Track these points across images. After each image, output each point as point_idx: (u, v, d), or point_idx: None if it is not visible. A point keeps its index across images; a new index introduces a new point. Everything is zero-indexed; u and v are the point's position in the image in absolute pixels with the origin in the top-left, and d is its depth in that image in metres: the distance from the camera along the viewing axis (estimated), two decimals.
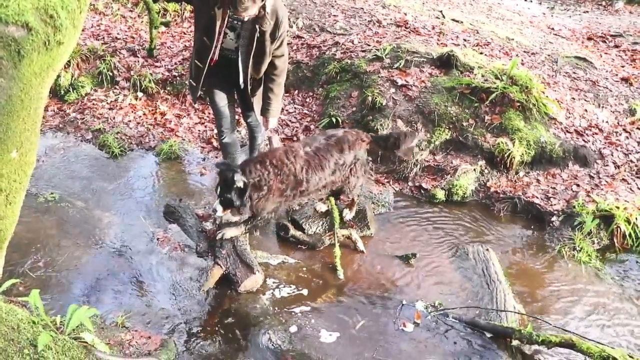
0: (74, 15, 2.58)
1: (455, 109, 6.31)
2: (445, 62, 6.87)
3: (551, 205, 5.71)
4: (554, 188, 5.93)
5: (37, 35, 2.43)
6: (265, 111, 4.87)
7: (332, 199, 5.07)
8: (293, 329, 4.02)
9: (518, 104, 6.25)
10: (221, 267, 4.26)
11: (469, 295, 4.59)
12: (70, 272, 4.41)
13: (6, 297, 3.41)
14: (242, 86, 4.67)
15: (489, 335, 4.13)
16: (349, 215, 5.07)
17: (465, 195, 5.98)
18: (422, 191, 6.00)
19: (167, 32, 8.63)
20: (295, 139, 6.63)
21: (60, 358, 3.07)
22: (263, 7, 4.22)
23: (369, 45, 7.57)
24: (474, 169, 6.08)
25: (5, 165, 2.49)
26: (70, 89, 7.25)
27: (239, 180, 3.94)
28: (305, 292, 4.41)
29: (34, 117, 2.58)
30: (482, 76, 6.58)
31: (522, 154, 6.02)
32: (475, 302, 4.49)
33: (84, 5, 2.68)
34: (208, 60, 4.54)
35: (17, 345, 2.92)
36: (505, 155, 6.00)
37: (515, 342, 4.05)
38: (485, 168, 6.12)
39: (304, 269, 4.66)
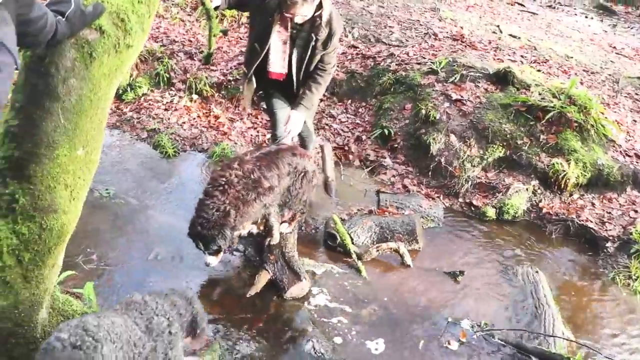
0: (143, 19, 2.65)
1: (510, 127, 6.20)
2: (502, 78, 6.77)
3: (606, 230, 5.54)
4: (610, 213, 5.75)
5: (109, 38, 2.50)
6: (295, 104, 4.64)
7: (337, 219, 5.04)
8: (337, 340, 4.01)
9: (576, 124, 6.09)
10: (268, 272, 4.29)
11: (516, 317, 4.49)
12: (121, 267, 4.51)
13: (62, 288, 3.51)
14: (295, 91, 4.70)
15: (534, 359, 4.03)
16: (287, 228, 4.63)
17: (517, 215, 5.86)
18: (473, 208, 5.91)
19: (224, 38, 8.77)
20: (346, 148, 6.64)
21: None
22: (319, 16, 4.27)
23: (424, 58, 7.52)
24: (527, 189, 5.95)
25: (72, 162, 2.57)
26: (128, 89, 7.42)
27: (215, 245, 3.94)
28: (349, 302, 4.39)
29: (100, 117, 2.65)
30: (539, 94, 6.45)
31: (578, 175, 5.86)
32: (523, 324, 4.39)
33: (152, 10, 2.75)
34: (253, 68, 4.61)
35: None
36: (560, 176, 5.85)
37: None
38: (539, 188, 5.98)
39: (350, 279, 4.64)
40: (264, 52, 4.51)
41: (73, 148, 2.55)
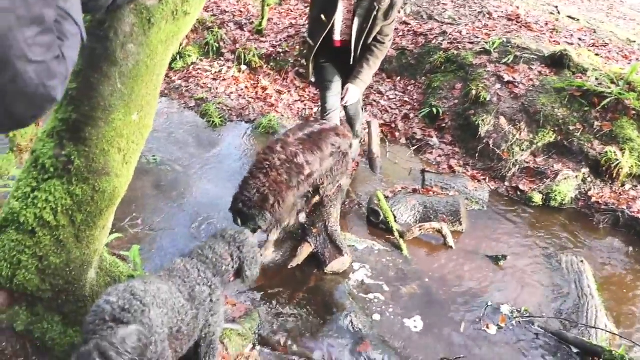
0: None
1: (563, 112, 6.03)
2: (557, 62, 6.57)
3: None
4: None
5: (167, 4, 2.51)
6: (353, 78, 4.66)
7: (381, 196, 5.00)
8: (376, 316, 4.03)
9: (634, 112, 5.87)
10: (311, 245, 4.32)
11: (557, 305, 4.41)
12: (165, 232, 4.61)
13: (109, 250, 3.61)
14: (352, 62, 4.67)
15: (575, 350, 3.96)
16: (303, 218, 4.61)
17: (564, 202, 5.72)
18: (519, 193, 5.80)
19: (275, 9, 8.75)
20: (393, 125, 6.58)
21: None
22: None
23: (477, 37, 7.36)
24: (576, 176, 5.80)
25: (127, 126, 2.61)
26: (178, 57, 7.51)
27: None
28: (389, 280, 4.39)
29: (155, 83, 2.68)
30: (596, 79, 6.23)
31: (632, 165, 5.67)
32: (564, 314, 4.31)
33: None
34: (321, 39, 4.58)
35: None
36: (612, 165, 5.67)
37: None
38: (589, 176, 5.82)
39: (391, 257, 4.64)
40: (331, 23, 4.51)
41: (128, 113, 2.58)
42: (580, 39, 7.82)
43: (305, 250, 4.31)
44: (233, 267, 2.93)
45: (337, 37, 4.66)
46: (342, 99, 4.83)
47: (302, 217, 4.52)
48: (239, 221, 3.99)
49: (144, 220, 4.68)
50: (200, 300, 2.66)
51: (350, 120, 5.39)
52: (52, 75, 1.23)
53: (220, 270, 2.84)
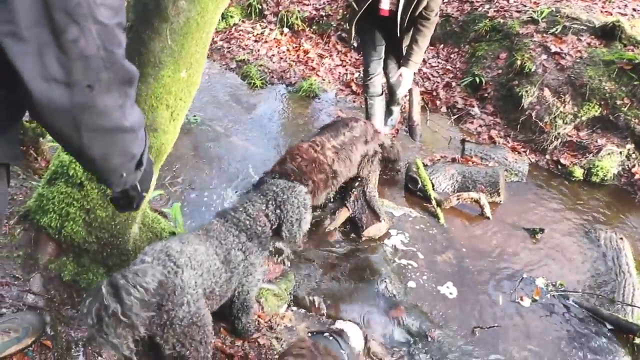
0: None
1: (611, 85, 5.85)
2: (608, 33, 6.35)
3: None
4: None
5: None
6: (405, 61, 4.74)
7: (420, 163, 4.99)
8: (411, 283, 4.07)
9: None
10: (348, 209, 4.35)
11: (594, 281, 4.38)
12: (205, 191, 4.69)
13: (151, 206, 3.69)
14: (398, 34, 4.63)
15: (609, 327, 3.94)
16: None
17: (606, 178, 5.62)
18: (560, 166, 5.71)
19: None
20: (434, 93, 6.51)
21: None
22: None
23: (525, 6, 7.15)
24: (620, 152, 5.67)
25: (175, 83, 2.64)
26: (220, 18, 7.49)
27: None
28: (425, 247, 4.41)
29: (205, 40, 2.70)
30: None
31: None
32: (600, 290, 4.28)
33: None
34: (365, 6, 4.54)
35: None
36: None
37: (638, 341, 3.84)
38: (633, 152, 5.67)
39: (427, 225, 4.65)
40: None
41: (177, 70, 2.61)
42: (635, 10, 7.51)
43: (342, 214, 4.35)
44: (272, 227, 2.83)
45: (384, 6, 4.61)
46: (399, 84, 4.91)
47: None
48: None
49: (184, 179, 4.76)
50: (235, 264, 2.66)
51: (391, 88, 5.35)
52: (113, 40, 1.16)
53: (254, 234, 2.76)
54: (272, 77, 6.64)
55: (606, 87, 5.83)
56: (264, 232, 2.80)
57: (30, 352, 2.64)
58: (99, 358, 2.77)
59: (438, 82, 6.71)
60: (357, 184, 4.49)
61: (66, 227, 2.92)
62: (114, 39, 1.15)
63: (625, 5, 7.53)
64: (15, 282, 2.87)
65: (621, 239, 4.72)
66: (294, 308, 3.70)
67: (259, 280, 2.92)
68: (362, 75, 5.30)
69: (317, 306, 3.73)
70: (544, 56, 6.25)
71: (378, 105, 5.26)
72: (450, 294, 4.04)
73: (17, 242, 2.95)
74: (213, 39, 7.15)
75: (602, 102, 5.82)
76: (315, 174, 3.94)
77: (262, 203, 2.82)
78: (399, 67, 4.87)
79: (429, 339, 3.60)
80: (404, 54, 4.76)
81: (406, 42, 4.78)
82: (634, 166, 5.62)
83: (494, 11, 7.14)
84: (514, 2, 7.29)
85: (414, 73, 4.90)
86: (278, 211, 2.83)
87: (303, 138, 4.48)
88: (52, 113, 1.12)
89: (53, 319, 2.81)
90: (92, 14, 1.09)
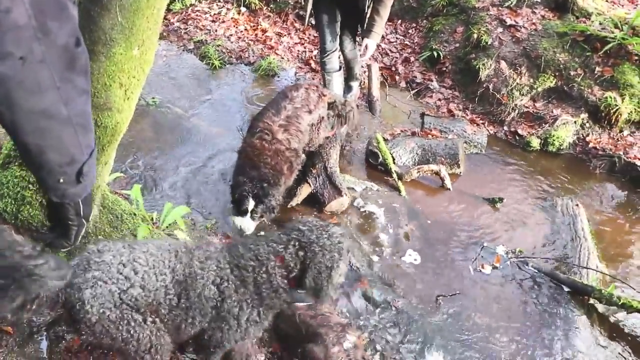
0: None
1: (564, 56, 5.98)
2: (561, 5, 6.46)
3: None
4: None
5: None
6: (367, 32, 4.72)
7: (380, 138, 5.03)
8: (374, 256, 4.12)
9: (636, 57, 5.83)
10: (310, 185, 4.37)
11: (551, 247, 4.51)
12: (165, 174, 4.63)
13: (111, 189, 3.64)
14: (363, 9, 4.65)
15: (566, 289, 4.08)
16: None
17: (561, 147, 5.76)
18: (517, 137, 5.83)
19: None
20: (393, 69, 6.54)
21: None
22: None
23: None
24: (575, 121, 5.81)
25: (128, 61, 2.59)
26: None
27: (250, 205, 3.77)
28: (387, 220, 4.46)
29: (156, 17, 2.65)
30: (600, 24, 6.15)
31: (631, 111, 5.66)
32: (558, 255, 4.41)
33: None
34: None
35: (119, 232, 3.15)
36: (612, 111, 5.66)
37: (592, 301, 4.00)
38: (587, 122, 5.82)
39: (389, 198, 4.70)
40: None
41: (129, 47, 2.56)
42: None
43: (304, 191, 4.36)
44: (289, 275, 2.28)
45: None
46: (362, 55, 4.88)
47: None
48: (246, 205, 3.80)
49: (144, 162, 4.70)
50: (199, 298, 2.24)
51: (348, 63, 5.36)
52: (49, 10, 1.08)
53: (253, 280, 2.26)
54: (231, 57, 6.57)
55: (560, 59, 5.96)
56: (271, 281, 2.26)
57: None
58: (63, 342, 2.75)
59: (397, 58, 6.74)
60: (317, 160, 4.50)
61: (22, 211, 2.86)
62: (49, 10, 1.08)
63: None
64: None
65: (577, 205, 4.86)
66: None
67: (237, 341, 2.42)
68: (319, 52, 5.28)
69: None
70: (500, 29, 6.34)
71: (336, 81, 5.26)
72: (415, 260, 4.12)
73: None
74: (169, 19, 7.07)
75: (557, 73, 5.95)
76: (283, 166, 3.93)
77: (282, 243, 2.27)
78: (354, 42, 4.88)
79: (393, 308, 3.66)
80: (366, 25, 4.74)
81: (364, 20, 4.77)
82: (587, 135, 5.77)
83: None
84: None
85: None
86: (302, 254, 2.25)
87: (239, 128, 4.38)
88: None
89: None
90: None
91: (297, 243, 2.26)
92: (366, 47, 4.78)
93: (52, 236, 1.57)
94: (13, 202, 2.86)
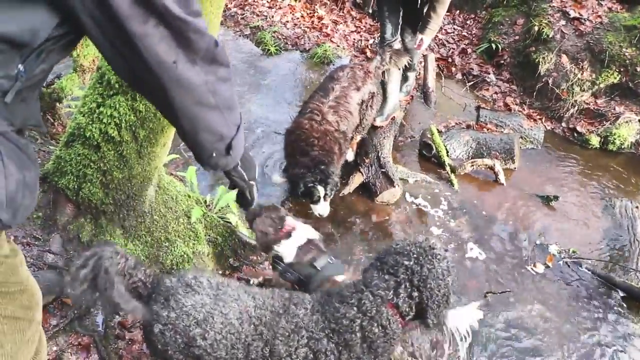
0: None
1: (631, 51, 5.74)
2: None
3: None
4: None
5: None
6: (422, 29, 4.67)
7: (434, 130, 4.97)
8: None
9: None
10: (362, 175, 4.36)
11: (607, 249, 4.38)
12: None
13: (167, 170, 3.71)
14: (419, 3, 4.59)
15: (621, 294, 3.96)
16: (351, 155, 4.66)
17: (623, 146, 5.57)
18: (576, 134, 5.66)
19: None
20: (450, 60, 6.45)
21: (208, 232, 3.37)
22: None
23: None
24: (639, 120, 5.60)
25: None
26: None
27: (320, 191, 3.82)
28: (439, 213, 4.42)
29: (219, 1, 2.68)
30: None
31: None
32: (614, 258, 4.28)
33: None
34: None
35: (174, 213, 3.22)
36: None
37: None
38: None
39: (441, 191, 4.65)
40: None
41: None
42: None
43: (356, 180, 4.36)
44: (406, 318, 2.03)
45: None
46: (416, 48, 4.84)
47: (350, 154, 4.57)
48: (318, 194, 3.85)
49: None
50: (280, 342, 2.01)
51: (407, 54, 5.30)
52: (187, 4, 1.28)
53: (365, 340, 2.00)
54: (287, 43, 6.59)
55: (626, 53, 5.73)
56: (386, 333, 2.00)
57: (52, 309, 2.70)
58: (117, 316, 2.84)
59: (454, 49, 6.63)
60: (370, 149, 4.49)
61: (84, 188, 2.95)
62: (186, 25, 1.26)
63: None
64: (36, 242, 2.93)
65: (637, 207, 4.71)
66: None
67: None
68: (377, 41, 5.24)
69: None
70: (563, 22, 6.14)
71: (395, 72, 5.21)
72: (464, 259, 4.06)
73: (36, 203, 2.99)
74: (227, 5, 7.13)
75: (622, 69, 5.73)
76: (333, 146, 3.96)
77: (389, 289, 1.98)
78: (415, 34, 4.82)
79: None
80: (422, 21, 4.69)
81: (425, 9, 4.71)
82: None
83: None
84: None
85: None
86: (416, 294, 1.98)
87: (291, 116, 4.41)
88: (150, 85, 1.33)
89: None
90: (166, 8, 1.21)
91: (408, 284, 1.97)
92: (421, 41, 4.73)
93: (240, 202, 2.00)
94: (75, 180, 2.96)
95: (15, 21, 1.12)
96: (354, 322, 1.97)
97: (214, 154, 1.54)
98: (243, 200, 1.97)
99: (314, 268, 2.69)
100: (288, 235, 2.81)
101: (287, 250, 2.79)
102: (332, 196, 3.99)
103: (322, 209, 3.93)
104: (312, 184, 3.78)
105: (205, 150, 1.52)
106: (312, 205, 3.94)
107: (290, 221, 2.87)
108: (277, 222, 2.82)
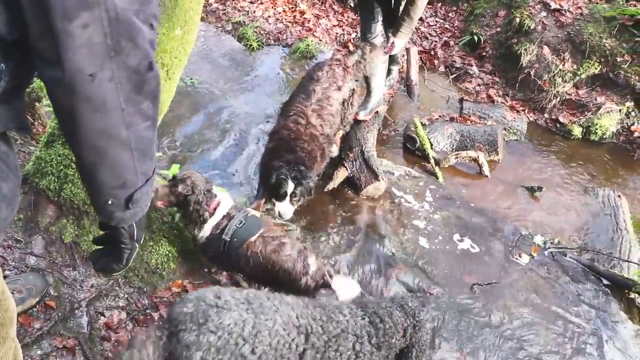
0: None
1: (611, 42, 5.78)
2: None
3: None
4: None
5: None
6: (394, 31, 4.54)
7: (418, 123, 4.96)
8: (408, 241, 4.09)
9: None
10: (347, 169, 4.35)
11: (591, 238, 4.43)
12: (203, 153, 4.66)
13: None
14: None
15: (605, 282, 4.00)
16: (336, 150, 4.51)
17: (605, 136, 5.62)
18: (558, 125, 5.71)
19: None
20: (432, 53, 6.45)
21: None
22: None
23: None
24: (620, 110, 5.64)
25: (170, 41, 2.61)
26: None
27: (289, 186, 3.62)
28: (424, 206, 4.42)
29: None
30: None
31: None
32: (598, 247, 4.32)
33: None
34: None
35: (158, 212, 3.20)
36: None
37: (633, 295, 3.92)
38: (633, 110, 5.65)
39: (426, 183, 4.65)
40: None
41: (171, 27, 2.58)
42: None
43: (341, 174, 4.35)
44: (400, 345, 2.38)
45: None
46: (387, 51, 4.71)
47: (334, 150, 4.42)
48: (285, 188, 3.65)
49: (182, 142, 4.73)
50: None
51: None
52: (127, 31, 1.08)
53: (385, 341, 2.31)
54: (269, 38, 6.55)
55: (607, 44, 5.77)
56: (395, 345, 2.36)
57: (35, 312, 2.67)
58: (102, 317, 2.81)
59: (436, 41, 6.64)
60: (354, 144, 4.47)
61: (65, 189, 2.92)
62: (125, 30, 1.07)
63: None
64: (17, 245, 2.89)
65: (619, 196, 4.75)
66: None
67: None
68: (359, 35, 5.22)
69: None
70: (544, 13, 6.17)
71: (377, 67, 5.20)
72: (449, 251, 4.07)
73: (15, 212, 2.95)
74: (208, 1, 7.07)
75: (602, 60, 5.77)
76: (317, 154, 3.87)
77: (402, 316, 2.40)
78: (391, 35, 4.75)
79: (428, 295, 3.65)
80: (395, 24, 4.56)
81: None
82: (633, 124, 5.62)
83: None
84: None
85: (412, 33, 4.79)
86: (410, 330, 2.40)
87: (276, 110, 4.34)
88: (56, 95, 1.10)
89: (56, 280, 2.84)
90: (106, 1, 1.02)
91: (412, 319, 2.39)
92: (392, 44, 4.61)
93: (103, 261, 1.54)
94: (56, 180, 2.93)
95: None
96: (385, 316, 2.32)
97: (110, 202, 1.29)
98: (113, 259, 1.52)
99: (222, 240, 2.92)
100: (213, 212, 2.95)
101: (206, 230, 2.98)
102: (300, 202, 3.79)
103: (284, 208, 3.70)
104: (284, 177, 3.62)
105: (101, 193, 1.27)
106: (275, 202, 3.75)
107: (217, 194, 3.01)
108: (207, 196, 2.95)
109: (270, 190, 3.78)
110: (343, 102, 4.20)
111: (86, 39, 1.02)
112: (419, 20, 6.80)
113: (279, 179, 3.63)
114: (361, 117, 4.76)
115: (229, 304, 2.05)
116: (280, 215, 3.72)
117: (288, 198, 3.67)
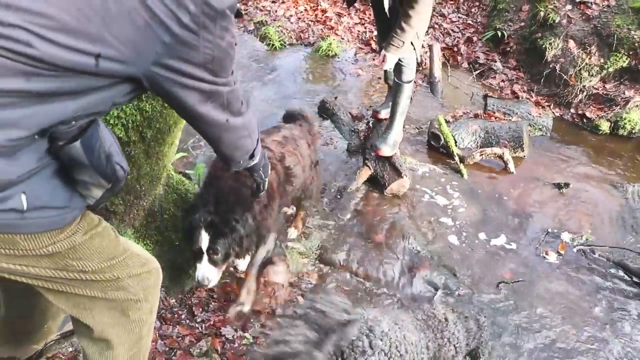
0: None
1: None
2: None
3: None
4: None
5: None
6: (386, 45, 3.94)
7: (442, 120, 4.92)
8: (434, 239, 4.07)
9: None
10: (370, 168, 4.34)
11: (620, 235, 4.34)
12: None
13: (175, 168, 3.71)
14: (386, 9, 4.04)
15: (636, 280, 3.92)
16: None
17: (634, 131, 5.51)
18: (585, 120, 5.61)
19: None
20: (455, 49, 6.40)
21: None
22: None
23: None
24: None
25: None
26: None
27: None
28: (448, 203, 4.39)
29: None
30: None
31: None
32: (627, 244, 4.24)
33: None
34: None
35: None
36: None
37: None
38: None
39: (451, 181, 4.62)
40: None
41: None
42: None
43: (364, 173, 4.34)
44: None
45: None
46: (379, 66, 4.40)
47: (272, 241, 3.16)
48: (198, 242, 2.77)
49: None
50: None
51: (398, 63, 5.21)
52: (237, 99, 1.78)
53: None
54: (291, 37, 6.56)
55: (635, 36, 5.63)
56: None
57: None
58: None
59: (459, 37, 6.58)
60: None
61: None
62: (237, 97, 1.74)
63: None
64: None
65: None
66: (321, 265, 3.73)
67: None
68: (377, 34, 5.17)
69: (342, 263, 3.75)
70: (569, 6, 6.07)
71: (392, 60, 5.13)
72: (475, 248, 4.04)
73: None
74: None
75: (631, 52, 5.64)
76: (273, 203, 3.11)
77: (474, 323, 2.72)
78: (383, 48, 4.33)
79: (456, 293, 3.62)
80: (389, 37, 3.94)
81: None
82: None
83: None
84: None
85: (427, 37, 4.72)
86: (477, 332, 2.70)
87: None
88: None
89: None
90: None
91: (477, 324, 2.76)
92: (384, 57, 3.97)
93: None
94: None
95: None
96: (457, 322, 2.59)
97: (241, 162, 2.07)
98: (257, 191, 2.57)
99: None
100: None
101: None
102: (238, 261, 3.08)
103: (203, 271, 2.79)
104: (196, 223, 2.74)
105: (236, 161, 2.05)
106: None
107: None
108: None
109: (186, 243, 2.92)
110: (311, 164, 3.58)
111: (215, 105, 1.66)
112: (442, 16, 6.77)
113: (189, 226, 2.79)
114: (386, 153, 4.33)
115: (380, 330, 2.11)
116: (199, 282, 2.87)
117: (205, 257, 2.78)
